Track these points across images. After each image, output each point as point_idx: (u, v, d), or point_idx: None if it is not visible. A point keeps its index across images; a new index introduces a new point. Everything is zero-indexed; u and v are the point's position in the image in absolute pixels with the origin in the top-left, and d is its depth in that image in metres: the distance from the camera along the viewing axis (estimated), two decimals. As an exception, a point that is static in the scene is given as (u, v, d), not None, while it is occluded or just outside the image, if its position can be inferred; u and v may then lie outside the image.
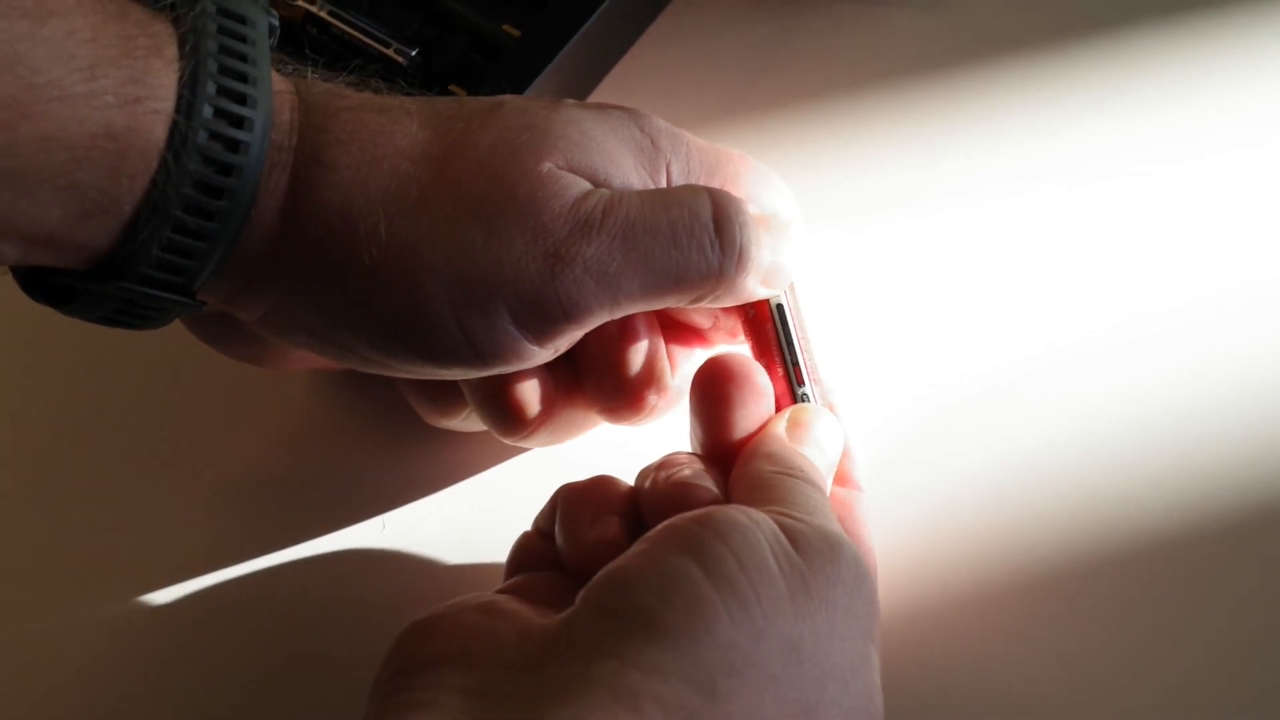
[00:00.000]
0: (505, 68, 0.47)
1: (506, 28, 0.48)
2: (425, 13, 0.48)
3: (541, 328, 0.36)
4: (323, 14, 0.47)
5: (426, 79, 0.48)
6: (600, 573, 0.34)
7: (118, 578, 0.44)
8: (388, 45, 0.47)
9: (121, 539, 0.45)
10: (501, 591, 0.38)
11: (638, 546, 0.34)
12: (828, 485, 0.39)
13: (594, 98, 0.51)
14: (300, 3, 0.47)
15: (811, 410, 0.39)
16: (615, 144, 0.38)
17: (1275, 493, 0.41)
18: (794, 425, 0.39)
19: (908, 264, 0.47)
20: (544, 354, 0.37)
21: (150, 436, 0.47)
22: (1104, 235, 0.46)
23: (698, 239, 0.37)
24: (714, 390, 0.39)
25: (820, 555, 0.34)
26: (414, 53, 0.47)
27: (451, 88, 0.48)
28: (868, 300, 0.46)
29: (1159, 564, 0.41)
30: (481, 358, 0.37)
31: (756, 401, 0.39)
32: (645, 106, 0.49)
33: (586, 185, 0.37)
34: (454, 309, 0.36)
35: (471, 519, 0.44)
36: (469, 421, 0.42)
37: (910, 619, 0.41)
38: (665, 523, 0.34)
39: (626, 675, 0.31)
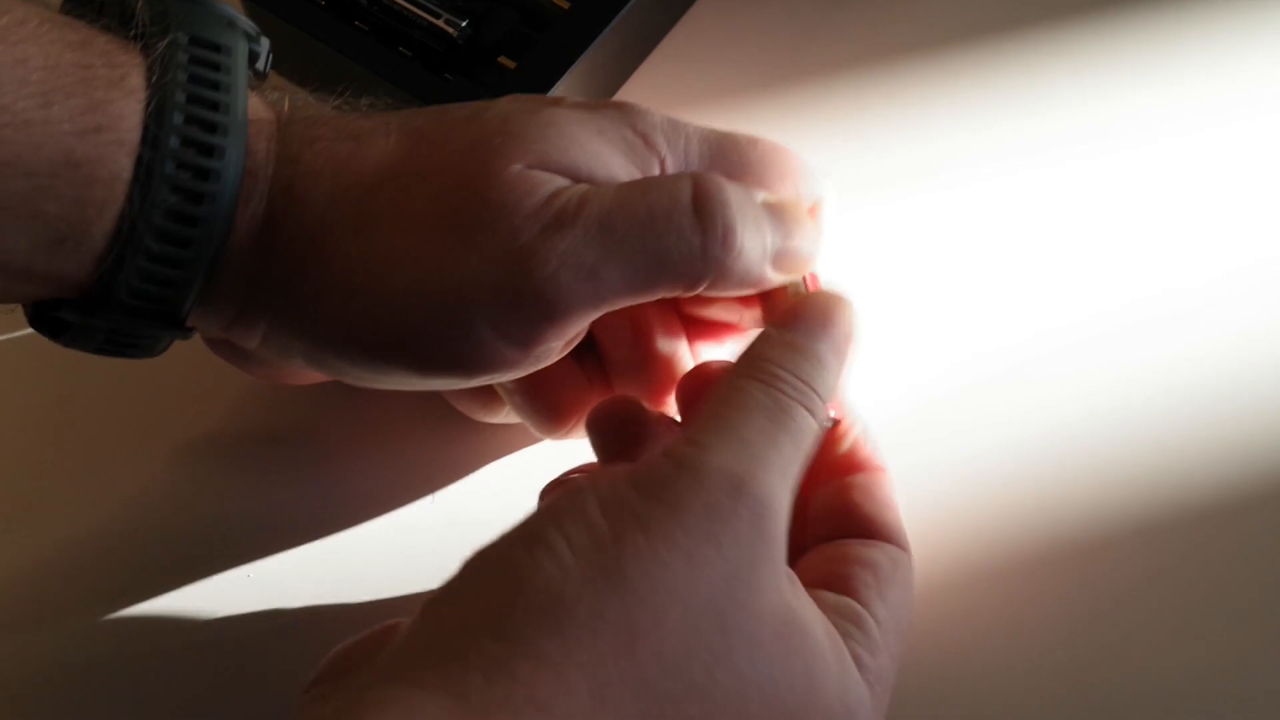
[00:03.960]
0: (554, 39, 0.47)
1: (556, -1, 0.48)
2: (475, -16, 0.48)
3: (521, 332, 0.35)
4: (373, -15, 0.47)
5: (476, 50, 0.48)
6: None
7: (166, 553, 0.44)
8: (438, 16, 0.47)
9: (162, 516, 0.45)
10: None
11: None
12: (838, 370, 0.37)
13: (640, 71, 0.51)
14: (351, -26, 0.47)
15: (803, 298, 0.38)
16: (600, 142, 0.37)
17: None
18: (786, 318, 0.37)
19: (935, 238, 0.47)
20: (528, 362, 0.36)
21: (193, 416, 0.47)
22: (1129, 212, 0.46)
23: (675, 221, 0.35)
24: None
25: (669, 489, 0.32)
26: (464, 24, 0.47)
27: (500, 59, 0.48)
28: (898, 274, 0.46)
29: (1172, 543, 0.41)
30: (464, 369, 0.36)
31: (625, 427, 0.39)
32: (689, 80, 0.50)
33: (563, 182, 0.36)
34: (432, 323, 0.35)
35: (521, 491, 0.44)
36: (510, 416, 0.42)
37: (921, 598, 0.40)
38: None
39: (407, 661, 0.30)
